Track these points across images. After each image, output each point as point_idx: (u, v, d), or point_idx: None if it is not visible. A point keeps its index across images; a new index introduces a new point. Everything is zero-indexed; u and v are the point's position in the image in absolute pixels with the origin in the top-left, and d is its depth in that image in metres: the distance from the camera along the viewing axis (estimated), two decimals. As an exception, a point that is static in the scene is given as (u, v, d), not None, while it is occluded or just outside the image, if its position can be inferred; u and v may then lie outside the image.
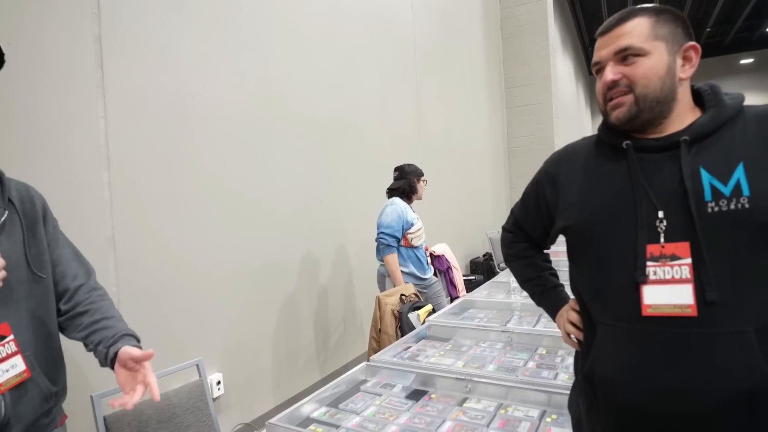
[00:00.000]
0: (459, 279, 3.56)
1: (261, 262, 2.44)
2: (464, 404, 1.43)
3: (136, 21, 1.87)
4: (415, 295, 2.68)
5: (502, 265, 5.07)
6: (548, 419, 1.30)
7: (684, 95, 0.86)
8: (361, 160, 3.36)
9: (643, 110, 0.84)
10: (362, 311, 3.32)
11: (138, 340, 1.06)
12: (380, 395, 1.53)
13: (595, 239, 0.89)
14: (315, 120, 2.89)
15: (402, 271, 2.81)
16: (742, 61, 14.56)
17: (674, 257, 0.80)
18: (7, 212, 0.96)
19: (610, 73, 0.85)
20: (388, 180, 3.05)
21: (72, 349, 1.22)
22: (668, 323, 0.79)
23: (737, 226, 0.77)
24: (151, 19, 1.93)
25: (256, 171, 2.43)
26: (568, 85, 10.01)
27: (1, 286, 0.89)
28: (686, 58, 0.85)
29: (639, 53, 0.83)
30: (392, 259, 2.77)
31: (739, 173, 0.77)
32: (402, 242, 2.84)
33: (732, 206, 0.77)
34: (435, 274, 3.17)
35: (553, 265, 1.18)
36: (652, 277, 0.81)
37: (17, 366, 0.93)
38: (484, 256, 5.50)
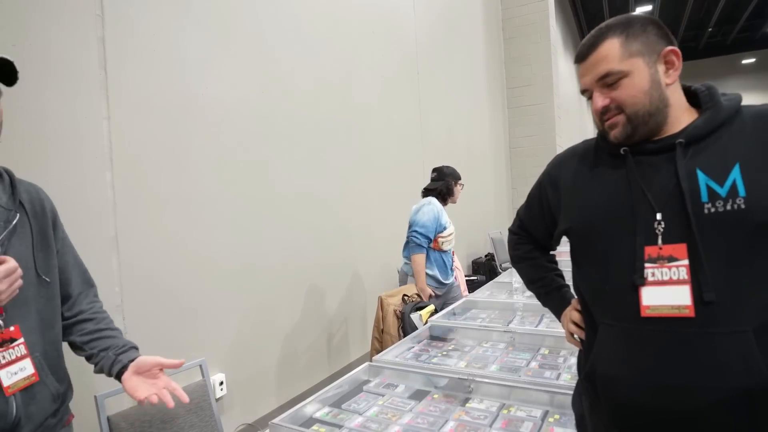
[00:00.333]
0: (461, 279, 3.56)
1: (264, 262, 2.44)
2: (467, 404, 1.44)
3: (139, 22, 1.88)
4: (417, 295, 2.68)
5: (505, 265, 5.07)
6: (551, 419, 1.31)
7: (676, 98, 0.86)
8: (364, 161, 3.37)
9: (638, 126, 0.85)
10: (365, 311, 3.32)
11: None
12: (383, 395, 1.53)
13: (595, 241, 0.90)
14: (318, 121, 2.90)
15: (426, 273, 2.78)
16: (744, 61, 14.54)
17: (672, 259, 0.81)
18: (18, 215, 0.97)
19: (599, 100, 0.87)
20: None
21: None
22: (667, 323, 0.80)
23: (734, 227, 0.77)
24: (154, 21, 1.94)
25: (259, 172, 2.44)
26: (570, 86, 9.99)
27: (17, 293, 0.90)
28: (668, 63, 0.85)
29: (619, 76, 0.84)
30: (420, 259, 2.73)
31: (735, 174, 0.78)
32: (431, 244, 2.81)
33: (728, 207, 0.77)
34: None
35: (559, 266, 1.19)
36: (650, 278, 0.82)
37: (26, 369, 0.94)
38: (486, 256, 5.49)
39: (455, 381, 1.53)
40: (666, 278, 0.81)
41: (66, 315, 1.10)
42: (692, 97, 0.88)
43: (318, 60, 2.92)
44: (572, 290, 1.09)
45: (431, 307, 2.47)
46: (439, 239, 2.80)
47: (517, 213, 1.19)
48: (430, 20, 4.57)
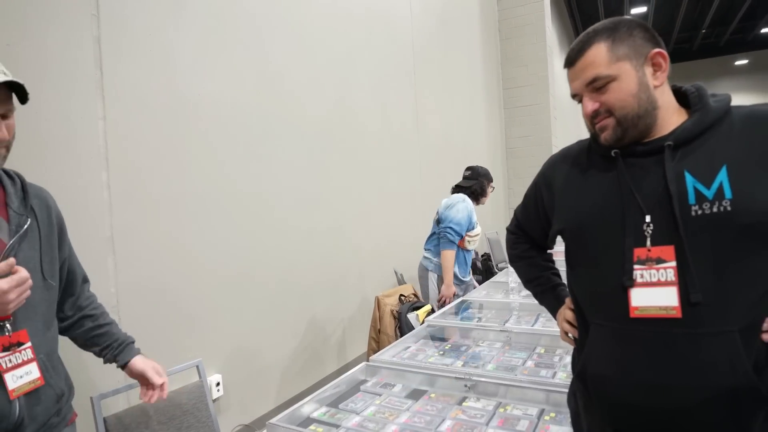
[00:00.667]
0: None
1: (260, 262, 2.44)
2: (463, 403, 1.44)
3: (135, 22, 1.88)
4: (414, 295, 2.69)
5: (501, 265, 5.09)
6: (547, 417, 1.31)
7: (665, 99, 0.87)
8: (360, 160, 3.37)
9: (628, 128, 0.86)
10: (362, 312, 3.32)
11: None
12: (380, 395, 1.53)
13: (586, 242, 0.92)
14: (313, 120, 2.90)
15: None
16: (737, 62, 14.63)
17: (660, 260, 0.82)
18: (29, 220, 0.99)
19: (589, 104, 0.88)
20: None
21: (73, 350, 1.23)
22: (655, 324, 0.82)
23: (720, 229, 0.78)
24: (150, 20, 1.93)
25: (255, 172, 2.44)
26: (566, 86, 10.00)
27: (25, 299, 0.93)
28: (655, 65, 0.85)
29: (607, 80, 0.85)
30: (451, 255, 2.74)
31: (722, 176, 0.79)
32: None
33: (715, 209, 0.78)
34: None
35: (556, 265, 1.20)
36: (639, 280, 0.83)
37: (32, 373, 0.96)
38: (482, 256, 5.50)
39: (452, 380, 1.53)
40: (654, 280, 0.82)
41: (69, 314, 1.16)
42: (682, 97, 0.89)
43: (314, 59, 2.92)
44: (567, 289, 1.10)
45: (428, 307, 2.48)
46: (467, 238, 2.81)
47: (515, 212, 1.20)
48: (427, 21, 4.57)
